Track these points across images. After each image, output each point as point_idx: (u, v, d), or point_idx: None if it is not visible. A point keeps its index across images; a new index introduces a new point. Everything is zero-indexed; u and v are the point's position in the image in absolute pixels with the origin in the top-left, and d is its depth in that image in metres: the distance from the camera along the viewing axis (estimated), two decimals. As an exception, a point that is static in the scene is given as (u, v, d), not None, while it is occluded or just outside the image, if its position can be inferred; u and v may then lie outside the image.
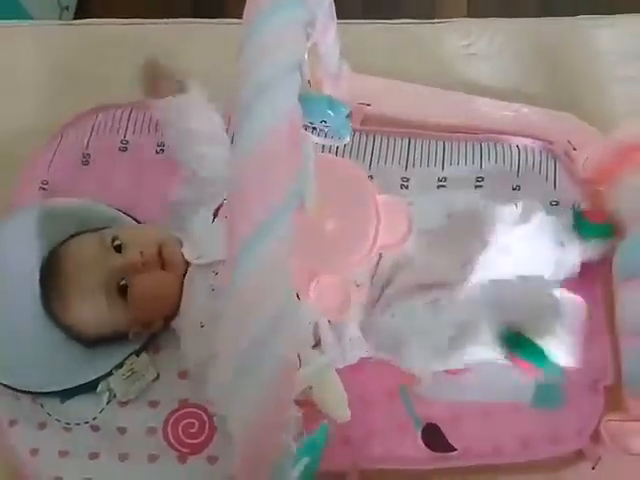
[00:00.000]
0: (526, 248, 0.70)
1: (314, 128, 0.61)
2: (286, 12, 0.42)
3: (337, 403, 0.55)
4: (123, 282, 0.71)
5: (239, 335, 0.37)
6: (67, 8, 1.43)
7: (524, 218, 0.70)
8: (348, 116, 0.66)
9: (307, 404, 0.41)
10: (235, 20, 0.95)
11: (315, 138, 0.63)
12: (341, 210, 0.63)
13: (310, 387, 0.53)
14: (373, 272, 0.71)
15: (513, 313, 0.68)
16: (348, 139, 0.67)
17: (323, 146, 0.73)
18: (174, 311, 0.74)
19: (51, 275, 0.73)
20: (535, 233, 0.71)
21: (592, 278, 0.75)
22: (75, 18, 1.43)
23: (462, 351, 0.67)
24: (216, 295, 0.70)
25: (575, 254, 0.72)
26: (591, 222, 0.74)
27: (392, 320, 0.70)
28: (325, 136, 0.63)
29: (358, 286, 0.70)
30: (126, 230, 0.76)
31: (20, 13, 1.24)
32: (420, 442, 0.72)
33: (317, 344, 0.68)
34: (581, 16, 0.97)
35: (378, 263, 0.71)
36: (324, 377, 0.54)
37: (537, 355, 0.65)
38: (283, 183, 0.38)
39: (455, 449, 0.72)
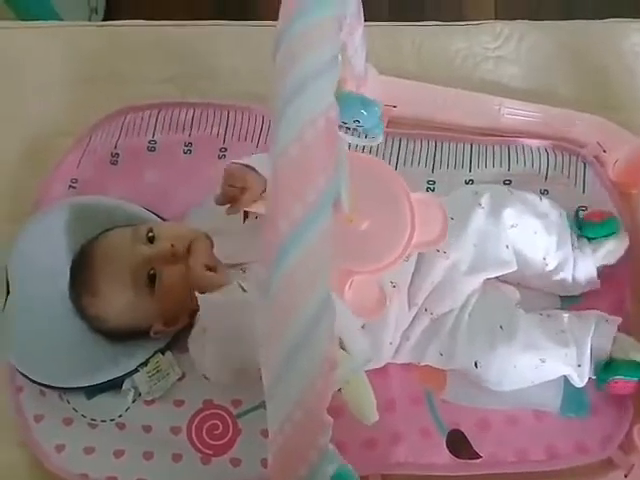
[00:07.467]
0: (549, 239, 0.72)
1: (347, 128, 0.61)
2: (322, 9, 0.42)
3: (366, 404, 0.54)
4: (152, 271, 0.71)
5: (279, 334, 0.37)
6: (96, 11, 1.45)
7: (545, 212, 0.73)
8: (381, 116, 0.65)
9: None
10: (261, 22, 0.96)
11: (349, 138, 0.62)
12: (375, 209, 0.62)
13: (339, 389, 0.53)
14: (411, 272, 0.71)
15: None
16: (381, 139, 0.66)
17: (349, 145, 0.73)
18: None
19: (82, 265, 0.73)
20: (555, 227, 0.73)
21: (617, 288, 0.75)
22: (104, 20, 1.44)
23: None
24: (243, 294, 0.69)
25: (589, 258, 0.73)
26: (593, 222, 0.74)
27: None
28: (359, 136, 0.62)
29: (394, 287, 0.70)
30: (160, 225, 0.77)
31: (50, 14, 1.25)
32: (444, 448, 0.72)
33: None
34: (610, 19, 0.95)
35: (417, 264, 0.71)
36: (355, 378, 0.54)
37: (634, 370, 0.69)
38: (320, 180, 0.37)
39: (480, 456, 0.71)
